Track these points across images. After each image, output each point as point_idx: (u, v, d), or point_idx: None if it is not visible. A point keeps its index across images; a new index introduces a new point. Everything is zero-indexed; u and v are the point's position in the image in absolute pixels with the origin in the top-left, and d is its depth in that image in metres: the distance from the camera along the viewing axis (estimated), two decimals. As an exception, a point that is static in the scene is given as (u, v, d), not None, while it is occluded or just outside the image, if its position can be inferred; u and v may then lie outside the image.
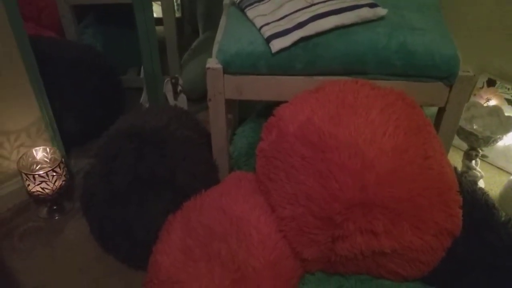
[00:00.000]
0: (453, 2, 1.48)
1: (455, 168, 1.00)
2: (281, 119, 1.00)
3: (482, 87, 1.53)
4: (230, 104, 1.21)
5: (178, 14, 2.35)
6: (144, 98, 1.68)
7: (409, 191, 0.83)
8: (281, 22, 1.06)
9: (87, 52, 1.67)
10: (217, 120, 1.16)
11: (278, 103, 1.05)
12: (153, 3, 1.52)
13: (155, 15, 1.54)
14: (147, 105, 1.67)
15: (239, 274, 0.90)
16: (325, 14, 1.03)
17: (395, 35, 1.02)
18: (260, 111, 1.39)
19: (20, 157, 1.32)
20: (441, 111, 1.10)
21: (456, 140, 1.40)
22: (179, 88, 1.61)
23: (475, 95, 1.54)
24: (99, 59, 1.68)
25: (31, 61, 1.28)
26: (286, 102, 1.04)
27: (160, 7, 1.79)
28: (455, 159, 1.51)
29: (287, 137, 0.95)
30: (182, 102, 1.62)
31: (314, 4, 1.07)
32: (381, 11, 1.05)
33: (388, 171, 0.83)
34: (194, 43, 1.99)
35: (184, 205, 1.07)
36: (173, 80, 1.59)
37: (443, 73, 1.02)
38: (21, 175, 1.29)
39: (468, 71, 1.03)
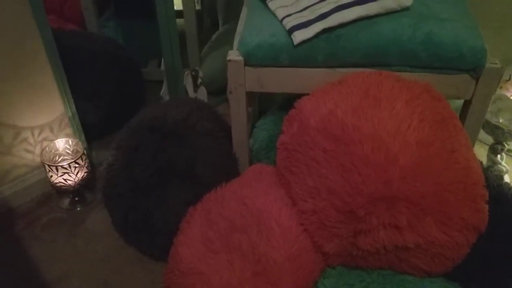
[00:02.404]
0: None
1: (481, 163, 0.98)
2: (302, 111, 0.99)
3: (509, 79, 1.49)
4: (250, 96, 1.20)
5: (198, 7, 2.34)
6: (164, 90, 1.69)
7: (434, 185, 0.82)
8: (303, 13, 1.05)
9: (108, 45, 1.68)
10: (237, 112, 1.16)
11: (298, 96, 1.04)
12: (173, -5, 1.51)
13: (175, 7, 1.53)
14: (167, 98, 1.68)
15: (259, 266, 0.90)
16: (348, 5, 1.01)
17: (421, 26, 1.00)
18: (280, 104, 1.38)
19: (43, 149, 1.34)
20: (467, 104, 1.07)
21: (481, 134, 1.37)
22: (199, 80, 1.61)
23: (501, 88, 1.50)
24: (121, 51, 1.69)
25: (55, 55, 1.29)
26: (307, 94, 1.03)
27: (180, -1, 1.79)
28: (480, 153, 1.48)
29: (309, 130, 0.94)
30: (202, 94, 1.63)
31: (337, -5, 1.05)
32: (406, 1, 1.02)
33: (413, 165, 0.82)
34: (214, 36, 1.99)
35: (205, 197, 1.08)
36: (193, 73, 1.60)
37: (470, 65, 1.00)
38: (44, 167, 1.31)
39: (496, 63, 1.00)
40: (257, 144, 1.27)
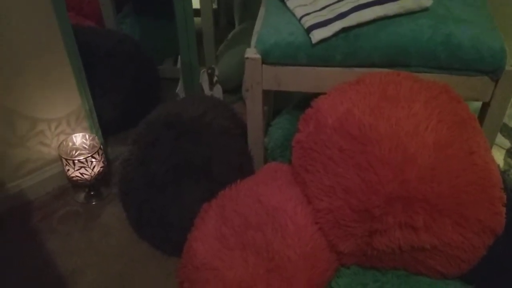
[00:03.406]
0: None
1: (498, 166, 0.97)
2: (319, 110, 0.99)
3: (527, 83, 1.47)
4: (266, 95, 1.20)
5: (214, 6, 2.36)
6: (180, 88, 1.70)
7: (452, 186, 0.81)
8: (322, 12, 1.05)
9: (126, 42, 1.69)
10: (254, 110, 1.16)
11: (314, 95, 1.05)
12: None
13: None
14: (182, 95, 1.69)
15: (273, 263, 0.90)
16: (367, 5, 1.01)
17: (440, 27, 0.99)
18: (295, 103, 1.39)
19: (61, 143, 1.36)
20: (485, 106, 1.06)
21: (498, 138, 1.36)
22: (215, 78, 1.61)
23: (519, 91, 1.49)
24: (138, 48, 1.71)
25: (74, 50, 1.31)
26: (324, 93, 1.03)
27: (197, -2, 1.80)
28: (497, 157, 1.47)
29: (325, 129, 0.94)
30: (218, 92, 1.63)
31: (356, -5, 1.05)
32: (426, 2, 1.02)
33: (430, 165, 0.81)
34: (230, 35, 2.00)
35: (220, 193, 1.08)
36: (209, 71, 1.60)
37: (489, 67, 0.99)
38: (61, 160, 1.32)
39: (516, 66, 0.99)
40: (272, 142, 1.28)
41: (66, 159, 1.30)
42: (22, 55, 1.22)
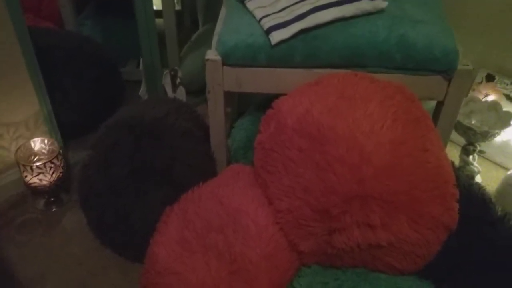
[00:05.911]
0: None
1: (452, 163, 1.00)
2: (279, 111, 1.00)
3: (481, 82, 1.52)
4: (229, 96, 1.20)
5: (178, 7, 2.34)
6: (142, 90, 1.68)
7: (406, 184, 0.83)
8: (281, 14, 1.06)
9: (87, 43, 1.66)
10: (216, 112, 1.16)
11: (276, 96, 1.05)
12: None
13: (154, 7, 1.53)
14: (145, 97, 1.67)
15: (235, 266, 0.90)
16: (325, 6, 1.02)
17: (395, 28, 1.02)
18: (258, 104, 1.39)
19: (18, 148, 1.32)
20: (439, 105, 1.10)
21: (454, 136, 1.40)
22: (178, 80, 1.60)
23: (474, 90, 1.54)
24: (99, 51, 1.68)
25: (30, 52, 1.28)
26: (285, 94, 1.04)
27: (160, -1, 1.79)
28: (453, 154, 1.52)
29: (285, 130, 0.95)
30: (181, 94, 1.62)
31: (314, -4, 1.07)
32: (381, 3, 1.04)
33: (386, 164, 0.83)
34: (194, 36, 1.99)
35: (182, 197, 1.07)
36: (172, 73, 1.59)
37: (442, 66, 1.02)
38: (19, 166, 1.28)
39: (468, 65, 1.03)
40: (235, 144, 1.28)
41: (23, 165, 1.26)
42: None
